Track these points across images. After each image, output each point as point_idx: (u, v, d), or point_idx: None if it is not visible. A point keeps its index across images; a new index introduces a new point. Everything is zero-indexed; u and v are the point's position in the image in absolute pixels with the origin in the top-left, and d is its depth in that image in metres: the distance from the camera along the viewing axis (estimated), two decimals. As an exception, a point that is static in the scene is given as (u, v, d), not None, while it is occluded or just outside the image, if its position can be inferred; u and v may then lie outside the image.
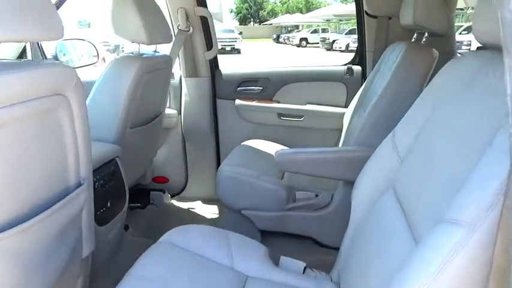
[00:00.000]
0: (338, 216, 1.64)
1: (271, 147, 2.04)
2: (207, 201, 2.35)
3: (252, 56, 17.94)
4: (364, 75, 2.14)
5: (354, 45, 17.71)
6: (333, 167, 1.54)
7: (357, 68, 2.17)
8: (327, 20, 26.73)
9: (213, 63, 2.28)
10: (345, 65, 2.22)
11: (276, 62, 15.15)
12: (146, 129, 1.83)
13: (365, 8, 1.95)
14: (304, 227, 1.69)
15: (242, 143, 2.08)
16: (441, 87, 0.88)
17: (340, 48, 18.99)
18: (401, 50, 1.54)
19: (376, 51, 1.97)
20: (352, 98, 2.15)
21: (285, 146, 2.11)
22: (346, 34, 20.14)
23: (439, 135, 0.81)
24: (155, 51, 1.85)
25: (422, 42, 1.58)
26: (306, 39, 24.22)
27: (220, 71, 2.30)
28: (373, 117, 1.51)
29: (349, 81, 2.17)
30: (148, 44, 1.63)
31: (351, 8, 20.62)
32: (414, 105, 1.00)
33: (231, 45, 19.07)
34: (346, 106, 2.17)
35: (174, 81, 2.27)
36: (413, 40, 1.74)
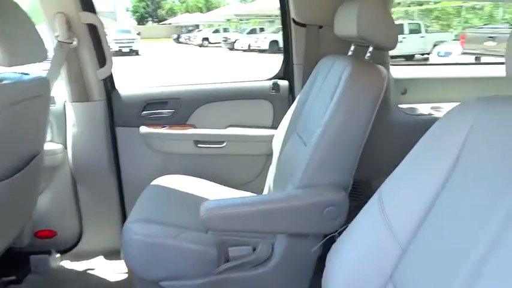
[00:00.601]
0: (281, 270, 1.33)
1: (189, 185, 1.65)
2: (111, 255, 1.87)
3: (152, 57, 17.01)
4: (292, 91, 1.85)
5: (255, 45, 17.94)
6: (277, 220, 1.22)
7: (283, 83, 1.88)
8: (228, 20, 26.63)
9: (109, 83, 1.80)
10: (270, 79, 1.91)
11: (178, 62, 14.57)
12: (15, 181, 1.32)
13: (292, 15, 1.66)
14: None
15: (153, 183, 1.66)
16: (469, 142, 0.59)
17: (242, 47, 19.02)
18: (344, 68, 1.27)
19: (307, 64, 1.70)
20: (279, 117, 1.86)
21: (206, 180, 1.74)
22: (247, 34, 20.25)
23: (474, 224, 0.51)
24: (23, 73, 1.34)
25: (366, 57, 1.34)
26: (207, 39, 23.83)
27: (118, 91, 1.83)
28: (319, 152, 1.21)
29: (276, 98, 1.87)
30: (8, 66, 1.15)
31: (251, 8, 20.87)
32: (411, 161, 0.70)
33: (128, 47, 17.87)
34: (273, 127, 1.87)
35: (55, 107, 1.74)
36: (350, 53, 1.50)
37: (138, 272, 1.30)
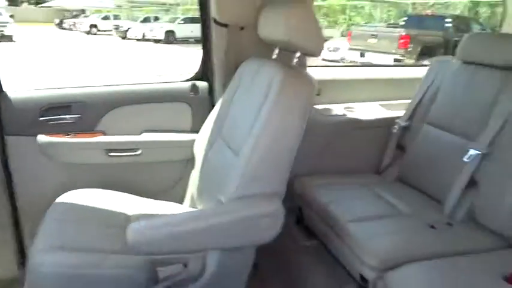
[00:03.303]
0: (215, 284, 1.26)
1: (102, 199, 1.48)
2: (8, 284, 1.60)
3: (31, 44, 15.15)
4: (211, 93, 1.77)
5: (150, 34, 17.13)
6: (213, 236, 1.15)
7: (202, 85, 1.78)
8: (119, 6, 24.94)
9: (-9, 83, 1.51)
10: (188, 80, 1.80)
11: (65, 50, 13.21)
12: None
13: (213, 14, 1.57)
14: None
15: (58, 200, 1.44)
16: None
17: (136, 37, 18.01)
18: (274, 74, 1.23)
19: (228, 66, 1.63)
20: (198, 120, 1.77)
21: (123, 192, 1.58)
22: (141, 22, 19.24)
23: None
24: None
25: (294, 63, 1.32)
26: (96, 25, 22.04)
27: (6, 94, 1.55)
28: (253, 163, 1.17)
29: (195, 101, 1.77)
30: None
31: (146, -5, 19.80)
32: None
33: (-1, 31, 15.65)
34: (192, 130, 1.78)
35: None
36: (274, 56, 1.48)
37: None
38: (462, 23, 9.66)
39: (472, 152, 1.47)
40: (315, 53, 1.28)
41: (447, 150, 1.61)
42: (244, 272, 1.30)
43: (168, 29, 16.76)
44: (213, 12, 1.56)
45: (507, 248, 1.35)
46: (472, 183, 1.49)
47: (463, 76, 1.66)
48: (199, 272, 1.25)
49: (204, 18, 1.64)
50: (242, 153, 1.21)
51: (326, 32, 13.39)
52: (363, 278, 1.27)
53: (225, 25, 1.58)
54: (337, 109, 1.94)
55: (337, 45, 10.26)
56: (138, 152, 1.69)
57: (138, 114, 1.72)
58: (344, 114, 1.89)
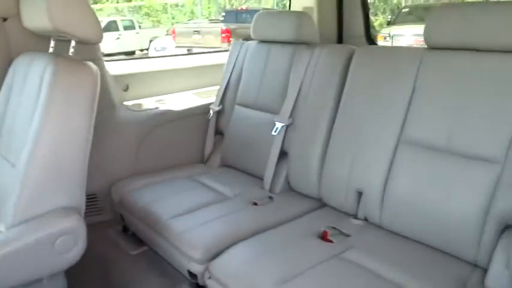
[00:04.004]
0: None
1: None
2: None
3: None
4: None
5: None
6: None
7: None
8: None
9: None
10: None
11: None
12: None
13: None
14: None
15: None
16: None
17: None
18: (45, 68, 1.05)
19: None
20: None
21: None
22: None
23: None
24: None
25: (71, 53, 1.14)
26: None
27: None
28: (35, 173, 0.98)
29: None
30: None
31: None
32: None
33: None
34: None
35: None
36: (51, 50, 1.26)
37: None
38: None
39: (277, 124, 1.54)
40: (92, 40, 1.12)
41: (258, 128, 1.65)
42: None
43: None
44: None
45: (320, 208, 1.44)
46: (283, 154, 1.56)
47: (261, 54, 1.72)
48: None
49: None
50: (19, 165, 0.99)
51: (152, 32, 13.06)
52: (191, 273, 1.20)
53: (-21, 17, 1.28)
54: (148, 103, 1.81)
55: (163, 44, 10.10)
56: None
57: None
58: (156, 108, 1.78)
